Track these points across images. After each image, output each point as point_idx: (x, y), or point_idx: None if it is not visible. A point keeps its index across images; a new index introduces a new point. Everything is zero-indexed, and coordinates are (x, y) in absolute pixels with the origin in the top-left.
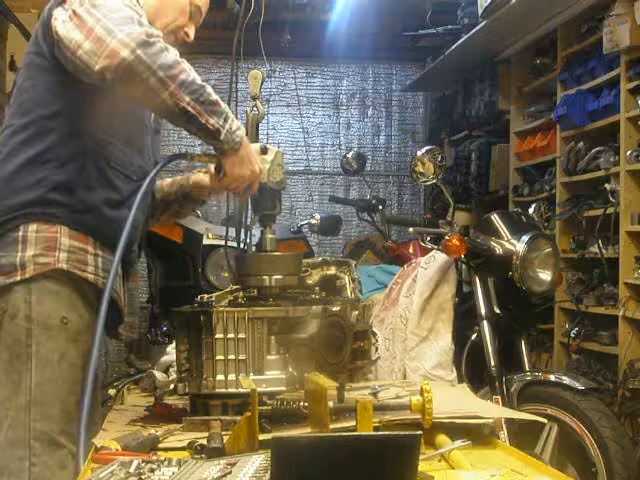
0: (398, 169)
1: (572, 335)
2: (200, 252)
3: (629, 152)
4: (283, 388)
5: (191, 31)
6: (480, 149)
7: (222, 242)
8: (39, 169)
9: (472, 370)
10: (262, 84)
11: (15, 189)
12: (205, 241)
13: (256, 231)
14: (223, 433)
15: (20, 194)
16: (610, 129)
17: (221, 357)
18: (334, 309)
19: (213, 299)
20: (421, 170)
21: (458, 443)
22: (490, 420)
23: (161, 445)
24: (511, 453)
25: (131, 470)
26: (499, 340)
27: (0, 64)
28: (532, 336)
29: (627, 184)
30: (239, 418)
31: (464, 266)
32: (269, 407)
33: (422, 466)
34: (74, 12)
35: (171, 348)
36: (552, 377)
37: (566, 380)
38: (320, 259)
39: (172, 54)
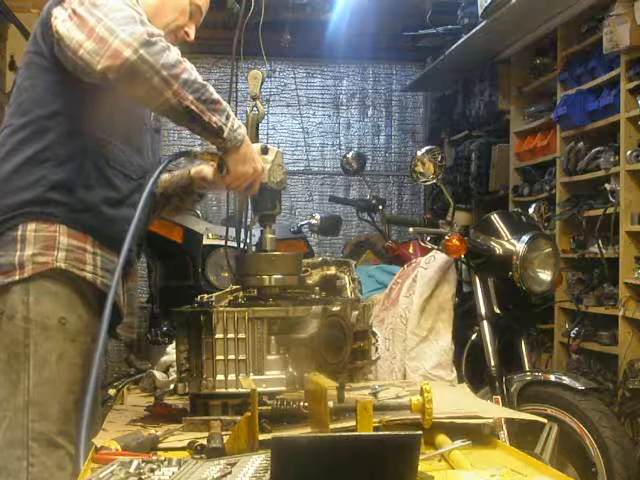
0: (398, 169)
1: (572, 335)
2: (200, 252)
3: (629, 152)
4: (283, 388)
5: (191, 31)
6: (480, 149)
7: (222, 242)
8: (38, 168)
9: (472, 370)
10: (262, 84)
11: (14, 188)
12: (205, 241)
13: (256, 231)
14: (223, 433)
15: (19, 193)
16: (610, 129)
17: (221, 357)
18: (334, 309)
19: (213, 299)
20: (421, 170)
21: (458, 443)
22: (490, 420)
23: (161, 445)
24: (511, 453)
25: (131, 470)
26: (499, 340)
27: (0, 64)
28: (532, 336)
29: (627, 184)
30: (239, 418)
31: (464, 266)
32: (269, 407)
33: (422, 466)
34: (74, 11)
35: (171, 348)
36: (552, 377)
37: (566, 380)
38: (320, 259)
39: (174, 53)
